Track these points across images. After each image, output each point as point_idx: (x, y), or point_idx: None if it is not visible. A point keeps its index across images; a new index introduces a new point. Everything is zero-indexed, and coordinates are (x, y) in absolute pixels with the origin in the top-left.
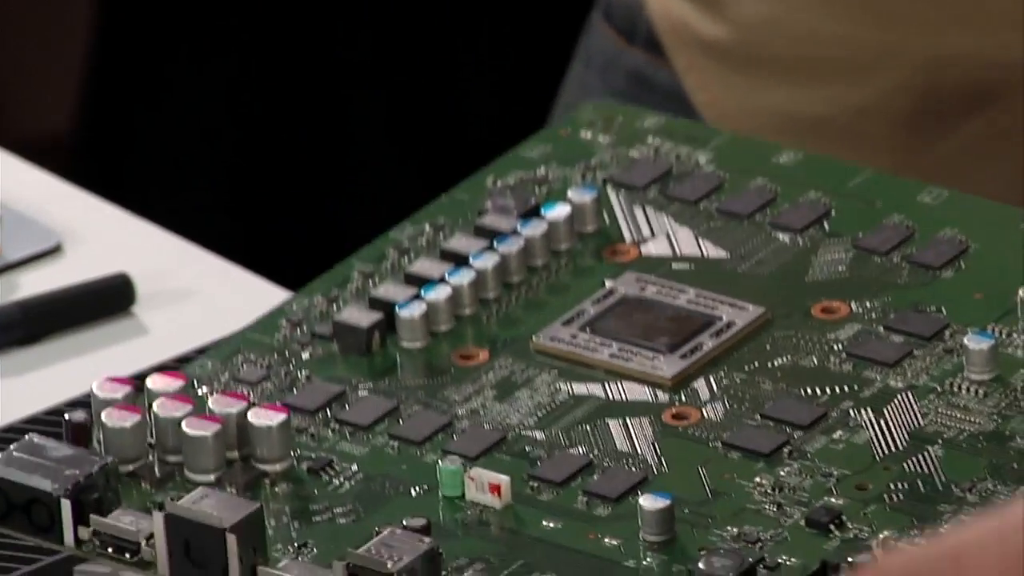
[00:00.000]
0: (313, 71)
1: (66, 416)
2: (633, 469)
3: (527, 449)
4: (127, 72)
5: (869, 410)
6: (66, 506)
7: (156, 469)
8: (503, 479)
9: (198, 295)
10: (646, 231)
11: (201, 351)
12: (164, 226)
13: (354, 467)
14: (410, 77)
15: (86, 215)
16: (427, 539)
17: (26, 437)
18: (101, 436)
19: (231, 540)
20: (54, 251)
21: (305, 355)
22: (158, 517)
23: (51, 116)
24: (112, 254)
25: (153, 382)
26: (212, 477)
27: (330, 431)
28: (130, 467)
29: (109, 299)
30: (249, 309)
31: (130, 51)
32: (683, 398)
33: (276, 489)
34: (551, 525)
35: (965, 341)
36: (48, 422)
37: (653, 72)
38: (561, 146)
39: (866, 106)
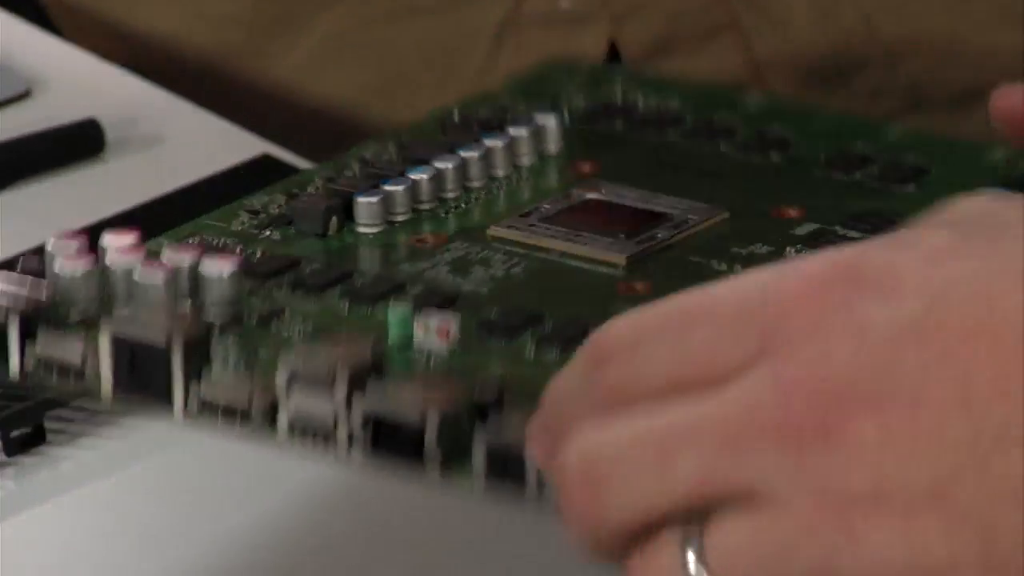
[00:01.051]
0: None
1: (19, 265)
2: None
3: (479, 306)
4: None
5: None
6: (14, 322)
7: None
8: (452, 320)
9: (168, 141)
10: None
11: (167, 198)
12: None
13: (304, 319)
14: None
15: (56, 60)
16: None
17: None
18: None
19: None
20: (23, 96)
21: (262, 237)
22: (104, 340)
23: None
24: (81, 100)
25: (107, 239)
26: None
27: (282, 291)
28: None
29: (78, 144)
30: (220, 155)
31: None
32: (637, 277)
33: (224, 336)
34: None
35: None
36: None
37: None
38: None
39: None
